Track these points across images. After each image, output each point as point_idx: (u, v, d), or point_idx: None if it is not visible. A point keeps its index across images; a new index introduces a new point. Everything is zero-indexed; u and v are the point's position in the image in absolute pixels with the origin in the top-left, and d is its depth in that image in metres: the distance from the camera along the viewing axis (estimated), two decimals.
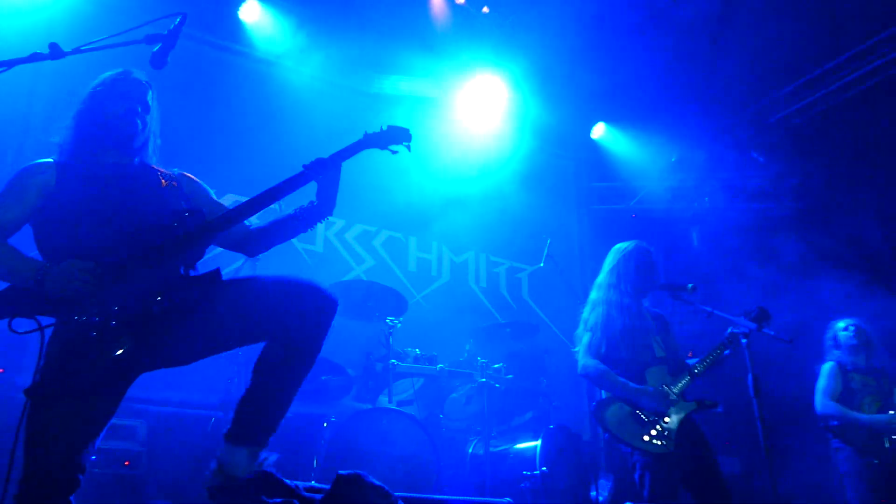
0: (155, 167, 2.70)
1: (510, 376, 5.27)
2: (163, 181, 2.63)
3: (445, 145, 6.95)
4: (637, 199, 8.25)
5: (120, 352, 2.16)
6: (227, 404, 4.61)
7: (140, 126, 2.62)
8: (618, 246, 4.16)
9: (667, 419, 3.64)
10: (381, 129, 2.86)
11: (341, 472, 1.64)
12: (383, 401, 4.89)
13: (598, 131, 8.03)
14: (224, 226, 2.49)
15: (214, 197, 2.78)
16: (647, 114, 7.61)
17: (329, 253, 6.49)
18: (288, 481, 1.61)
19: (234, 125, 5.95)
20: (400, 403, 5.16)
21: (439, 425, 5.19)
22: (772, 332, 3.58)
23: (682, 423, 3.64)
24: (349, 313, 5.20)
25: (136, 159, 2.65)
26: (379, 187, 6.46)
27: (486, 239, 7.30)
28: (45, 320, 2.19)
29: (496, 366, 5.21)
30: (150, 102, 2.70)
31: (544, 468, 4.54)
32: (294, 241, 6.28)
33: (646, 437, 3.59)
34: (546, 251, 6.08)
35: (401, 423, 4.37)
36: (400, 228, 6.96)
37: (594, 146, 8.17)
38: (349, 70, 6.79)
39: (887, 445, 4.51)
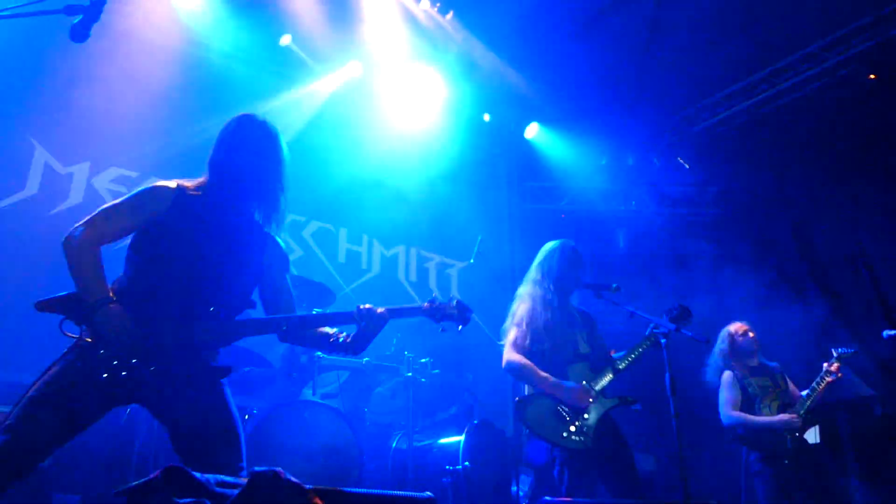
0: (261, 224, 2.77)
1: (436, 371, 5.29)
2: (258, 246, 2.74)
3: (380, 138, 6.91)
4: (567, 199, 8.39)
5: (115, 399, 2.44)
6: None
7: (280, 194, 2.75)
8: (546, 245, 4.22)
9: (586, 415, 3.72)
10: (450, 302, 2.84)
11: (257, 468, 1.60)
12: (307, 393, 4.83)
13: (532, 131, 8.12)
14: (261, 332, 2.65)
15: (288, 279, 2.85)
16: (581, 117, 7.76)
17: None
18: (198, 475, 1.55)
19: (144, 98, 5.75)
20: (324, 396, 5.11)
21: (363, 419, 5.16)
22: (689, 333, 3.69)
23: (600, 419, 3.73)
24: None
25: (256, 213, 2.74)
26: (309, 177, 6.36)
27: (417, 233, 7.30)
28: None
29: (423, 360, 5.21)
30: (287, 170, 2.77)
31: (467, 463, 4.57)
32: None
33: (565, 434, 3.66)
34: (477, 248, 6.12)
35: (324, 416, 4.32)
36: (330, 219, 6.88)
37: (528, 146, 8.26)
38: (275, 52, 6.64)
39: (789, 446, 4.62)
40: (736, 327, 5.06)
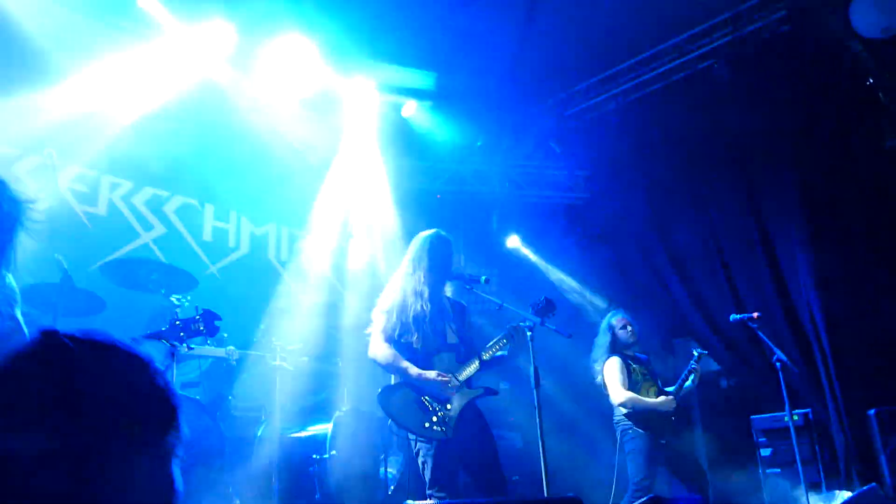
0: None
1: (305, 358, 5.17)
2: None
3: (244, 107, 6.54)
4: (444, 179, 8.38)
5: None
6: None
7: None
8: (418, 236, 4.19)
9: (449, 405, 3.75)
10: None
11: None
12: None
13: (410, 109, 8.00)
14: None
15: (19, 315, 2.60)
16: (459, 96, 7.71)
17: (113, 217, 5.89)
18: None
19: None
20: (185, 385, 4.87)
21: (228, 408, 4.98)
22: (553, 327, 3.78)
23: (463, 409, 3.77)
24: (130, 286, 4.79)
25: None
26: (172, 151, 5.97)
27: (289, 211, 7.05)
28: None
29: (290, 347, 5.07)
30: None
31: (334, 452, 4.53)
32: (74, 202, 5.66)
33: (427, 424, 3.68)
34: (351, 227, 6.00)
35: (183, 408, 4.10)
36: (195, 195, 6.49)
37: (405, 123, 8.13)
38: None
39: (674, 426, 4.95)
40: (617, 320, 5.35)
